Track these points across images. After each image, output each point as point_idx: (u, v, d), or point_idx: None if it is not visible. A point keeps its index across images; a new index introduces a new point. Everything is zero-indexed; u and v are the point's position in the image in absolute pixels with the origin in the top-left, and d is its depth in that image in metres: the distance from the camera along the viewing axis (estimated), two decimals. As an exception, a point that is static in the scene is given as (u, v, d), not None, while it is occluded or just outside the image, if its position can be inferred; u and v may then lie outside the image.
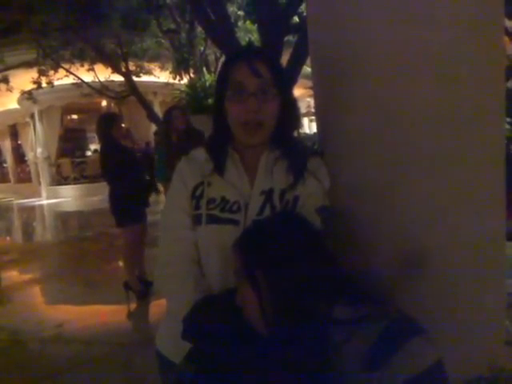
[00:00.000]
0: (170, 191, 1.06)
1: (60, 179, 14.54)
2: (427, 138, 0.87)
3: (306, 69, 5.40)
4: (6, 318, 3.68)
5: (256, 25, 5.63)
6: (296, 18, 4.98)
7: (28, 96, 10.74)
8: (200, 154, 1.04)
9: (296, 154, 1.00)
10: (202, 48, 8.55)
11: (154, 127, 9.81)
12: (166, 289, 1.02)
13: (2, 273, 5.87)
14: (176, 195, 1.04)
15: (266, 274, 0.76)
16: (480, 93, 0.86)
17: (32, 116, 14.90)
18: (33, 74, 9.43)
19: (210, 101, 5.57)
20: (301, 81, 6.67)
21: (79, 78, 9.67)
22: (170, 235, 1.03)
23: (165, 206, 1.07)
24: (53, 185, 14.32)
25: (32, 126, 15.44)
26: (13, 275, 5.66)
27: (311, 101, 10.69)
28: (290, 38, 5.54)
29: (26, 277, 5.43)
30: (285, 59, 4.76)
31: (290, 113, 0.99)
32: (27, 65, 9.16)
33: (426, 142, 0.87)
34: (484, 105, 0.87)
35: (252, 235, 0.83)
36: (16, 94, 11.60)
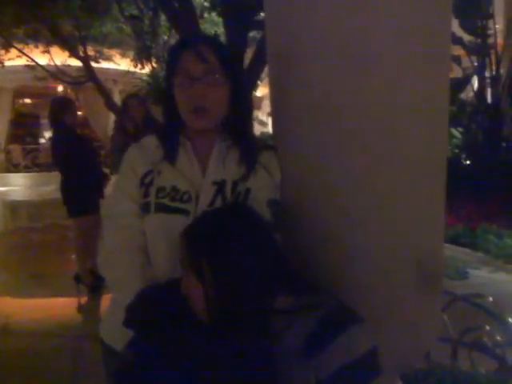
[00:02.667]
0: (118, 178, 1.05)
1: (10, 166, 13.85)
2: (370, 137, 0.89)
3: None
4: None
5: (222, 18, 5.58)
6: (262, 14, 4.98)
7: (-24, 76, 10.13)
8: (151, 141, 1.04)
9: (248, 145, 1.01)
10: (165, 37, 8.38)
11: (113, 116, 9.54)
12: (111, 277, 1.01)
13: None
14: (124, 182, 1.02)
15: (210, 264, 0.77)
16: (422, 94, 0.90)
17: (-20, 98, 14.09)
18: (-18, 52, 8.90)
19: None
20: (267, 79, 6.69)
21: (33, 60, 9.18)
22: (115, 222, 1.01)
23: (111, 192, 1.05)
24: (2, 172, 13.62)
25: (-20, 109, 14.61)
26: (-45, 265, 5.36)
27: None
28: (256, 34, 5.55)
29: (-30, 267, 5.16)
30: (250, 55, 4.77)
31: (240, 101, 0.99)
32: (-25, 43, 8.62)
33: (369, 141, 0.89)
34: (426, 108, 0.91)
35: (200, 225, 0.83)
36: (-37, 73, 10.90)
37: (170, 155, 0.99)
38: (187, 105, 0.95)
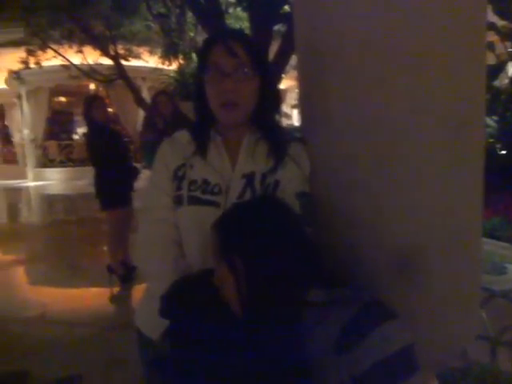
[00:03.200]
0: (152, 172, 1.08)
1: (46, 162, 14.31)
2: (408, 130, 0.88)
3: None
4: (-11, 299, 3.66)
5: (247, 12, 5.57)
6: (286, 7, 4.94)
7: (16, 76, 10.49)
8: (183, 136, 1.06)
9: (277, 137, 1.01)
10: (192, 34, 8.44)
11: (142, 113, 9.71)
12: (146, 268, 1.05)
13: (-14, 254, 5.82)
14: (157, 176, 1.05)
15: (242, 256, 0.77)
16: (459, 86, 0.88)
17: (19, 97, 14.55)
18: (20, 53, 9.21)
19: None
20: (291, 72, 6.62)
21: (68, 60, 9.47)
22: (150, 215, 1.04)
23: (147, 186, 1.08)
24: (39, 167, 14.09)
25: (19, 107, 15.12)
26: (-4, 256, 5.61)
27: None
28: (281, 27, 5.51)
29: (10, 258, 5.39)
30: (275, 49, 4.75)
31: (269, 94, 1.00)
32: (15, 44, 8.93)
33: (406, 134, 0.88)
34: (463, 97, 0.89)
35: (231, 217, 0.84)
36: (3, 74, 11.33)
37: (201, 149, 1.01)
38: (218, 100, 0.96)
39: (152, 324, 0.95)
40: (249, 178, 0.98)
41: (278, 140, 1.01)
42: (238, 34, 1.07)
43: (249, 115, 1.00)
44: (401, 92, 0.87)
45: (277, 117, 1.07)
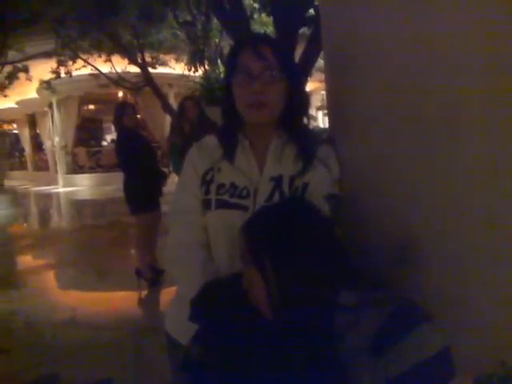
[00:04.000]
0: (181, 176, 1.09)
1: (76, 168, 14.75)
2: (440, 133, 0.85)
3: (321, 62, 5.36)
4: (20, 302, 3.78)
5: (271, 17, 5.59)
6: (311, 11, 4.93)
7: (47, 86, 10.88)
8: (211, 140, 1.07)
9: (305, 140, 1.01)
10: (217, 40, 8.54)
11: (169, 118, 9.87)
12: (175, 271, 1.05)
13: (18, 257, 6.01)
14: (186, 180, 1.06)
15: (272, 259, 0.76)
16: (490, 85, 0.85)
17: (50, 105, 15.11)
18: (52, 64, 9.55)
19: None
20: (315, 74, 6.58)
21: (96, 69, 9.76)
22: (179, 219, 1.05)
23: (175, 190, 1.09)
24: (69, 173, 14.54)
25: (50, 116, 15.67)
26: (28, 260, 5.80)
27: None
28: (305, 30, 5.50)
29: (41, 262, 5.56)
30: (299, 52, 4.74)
31: (297, 97, 1.00)
32: (46, 55, 9.27)
33: (438, 134, 0.86)
34: (494, 96, 0.86)
35: (259, 220, 0.84)
36: (35, 84, 11.75)
37: (229, 153, 1.01)
38: (245, 101, 0.96)
39: (181, 328, 0.95)
40: (277, 181, 0.98)
41: (306, 142, 1.00)
42: (266, 37, 1.09)
43: (276, 117, 0.99)
44: (433, 94, 0.85)
45: (305, 119, 1.06)
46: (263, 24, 7.93)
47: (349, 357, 0.70)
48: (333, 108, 1.12)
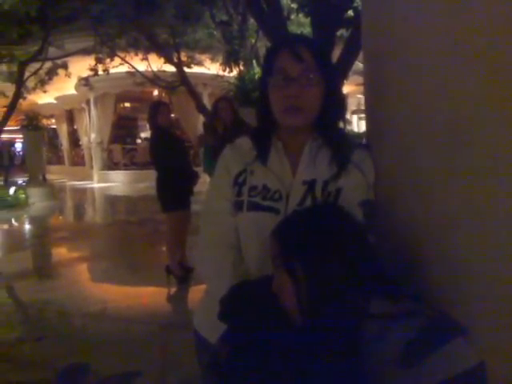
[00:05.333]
0: (214, 177, 1.09)
1: (111, 164, 15.16)
2: (482, 138, 0.82)
3: (358, 65, 5.28)
4: (54, 292, 3.91)
5: (309, 18, 5.56)
6: (350, 12, 4.86)
7: (85, 82, 11.21)
8: (245, 142, 1.06)
9: (340, 144, 0.99)
10: (253, 40, 8.57)
11: (202, 118, 10.00)
12: (205, 271, 1.06)
13: (53, 249, 6.23)
14: (219, 181, 1.07)
15: (303, 264, 0.76)
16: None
17: (88, 102, 15.59)
18: (90, 61, 9.84)
19: (258, 93, 5.57)
20: (352, 77, 6.50)
21: (133, 67, 9.99)
22: (210, 219, 1.06)
23: (208, 191, 1.09)
24: (104, 169, 14.95)
25: (87, 112, 16.16)
26: (62, 252, 6.01)
27: (362, 98, 10.45)
28: (343, 32, 5.44)
29: (75, 254, 5.74)
30: (336, 54, 4.70)
31: (333, 100, 0.98)
32: (85, 52, 9.57)
33: (473, 142, 0.83)
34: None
35: (291, 224, 0.83)
36: (74, 80, 12.16)
37: (262, 155, 1.01)
38: (281, 104, 0.95)
39: (210, 326, 0.96)
40: (310, 185, 0.97)
41: (340, 147, 0.99)
42: (305, 39, 1.07)
43: (311, 120, 0.98)
44: (470, 100, 0.82)
45: (341, 123, 1.04)
46: (300, 25, 7.90)
47: (376, 366, 0.69)
48: (370, 113, 1.10)
